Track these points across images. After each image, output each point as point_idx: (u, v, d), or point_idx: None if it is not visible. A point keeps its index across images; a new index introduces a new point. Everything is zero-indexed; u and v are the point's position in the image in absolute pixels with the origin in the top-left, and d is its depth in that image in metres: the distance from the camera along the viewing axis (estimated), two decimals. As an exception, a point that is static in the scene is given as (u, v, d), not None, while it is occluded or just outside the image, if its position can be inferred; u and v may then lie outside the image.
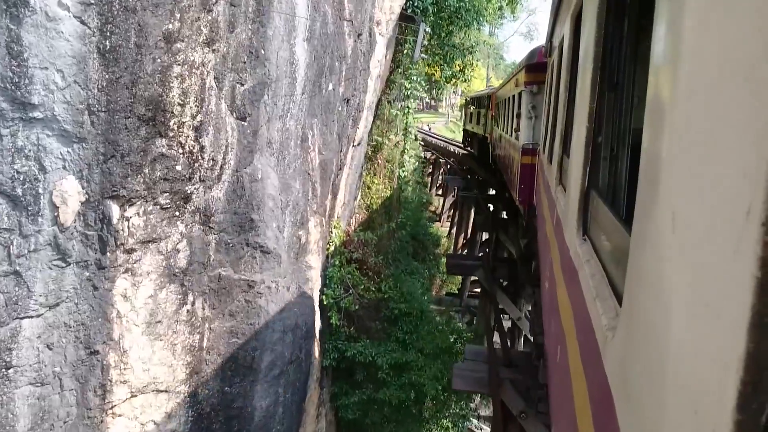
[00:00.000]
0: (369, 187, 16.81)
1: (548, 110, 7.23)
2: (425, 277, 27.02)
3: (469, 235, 28.42)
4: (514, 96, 11.72)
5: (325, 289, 12.04)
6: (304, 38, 9.42)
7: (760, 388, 0.67)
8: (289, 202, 9.51)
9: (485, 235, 25.54)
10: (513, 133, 11.31)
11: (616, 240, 2.03)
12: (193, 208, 7.45)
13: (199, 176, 7.34)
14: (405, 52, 14.82)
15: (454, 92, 72.56)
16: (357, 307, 12.69)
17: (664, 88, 1.27)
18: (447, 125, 75.53)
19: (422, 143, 49.12)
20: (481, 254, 21.28)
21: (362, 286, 13.08)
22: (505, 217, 19.60)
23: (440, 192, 44.89)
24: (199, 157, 7.18)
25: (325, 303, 11.82)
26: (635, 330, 1.40)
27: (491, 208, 23.53)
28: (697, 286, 0.92)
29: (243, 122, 8.12)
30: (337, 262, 12.53)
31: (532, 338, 9.52)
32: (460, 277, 26.80)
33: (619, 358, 1.58)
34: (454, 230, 33.31)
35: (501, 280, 14.26)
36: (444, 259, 32.19)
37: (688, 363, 0.93)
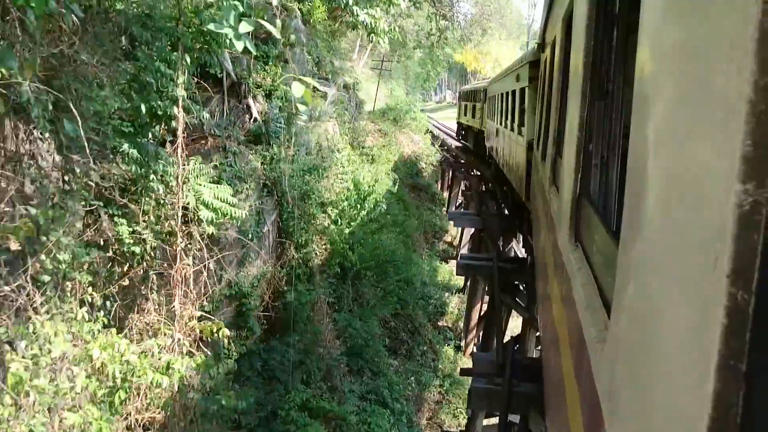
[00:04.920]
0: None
1: (541, 107, 7.10)
2: (411, 397, 15.67)
3: (484, 322, 17.10)
4: (515, 91, 11.16)
5: None
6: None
7: (730, 414, 0.74)
8: None
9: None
10: (516, 128, 10.64)
11: (606, 249, 2.04)
12: None
13: None
14: None
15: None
16: None
17: (648, 99, 1.31)
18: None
19: (440, 148, 38.01)
20: None
21: None
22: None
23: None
24: None
25: None
26: (621, 345, 1.41)
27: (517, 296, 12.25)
28: (677, 303, 0.97)
29: None
30: None
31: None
32: (466, 396, 15.35)
33: (607, 372, 1.58)
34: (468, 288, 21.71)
35: None
36: (447, 349, 20.08)
37: (671, 383, 0.96)
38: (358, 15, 20.29)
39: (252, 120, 13.01)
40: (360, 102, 30.71)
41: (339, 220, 14.26)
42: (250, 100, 12.96)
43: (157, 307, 6.45)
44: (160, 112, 5.83)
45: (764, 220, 0.71)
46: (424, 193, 33.56)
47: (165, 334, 6.21)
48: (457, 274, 15.34)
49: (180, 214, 6.28)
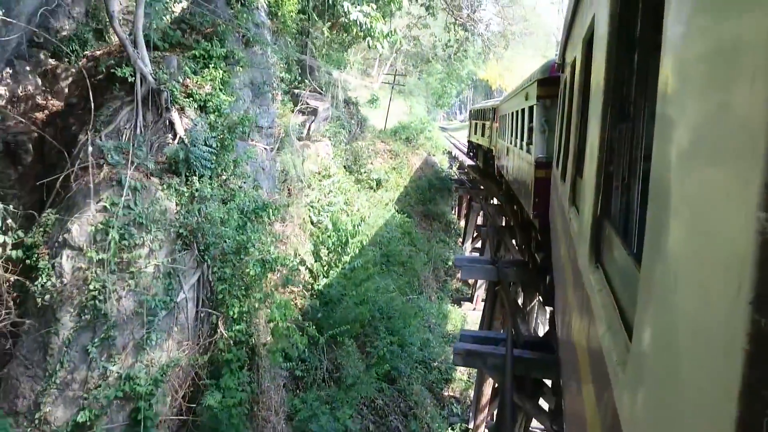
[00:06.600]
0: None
1: (561, 127, 7.02)
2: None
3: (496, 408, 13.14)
4: (524, 109, 11.29)
5: None
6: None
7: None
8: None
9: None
10: (525, 146, 10.84)
11: (627, 271, 2.01)
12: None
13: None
14: None
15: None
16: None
17: (671, 121, 1.30)
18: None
19: (457, 171, 34.25)
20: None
21: None
22: None
23: (479, 245, 29.58)
24: None
25: None
26: (644, 369, 1.39)
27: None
28: (700, 328, 0.94)
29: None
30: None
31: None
32: None
33: (629, 396, 1.54)
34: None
35: None
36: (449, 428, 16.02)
37: (695, 409, 0.93)
38: (350, 13, 16.84)
39: (177, 141, 9.43)
40: (363, 119, 27.13)
41: (287, 282, 10.59)
42: (174, 114, 9.39)
43: None
44: None
45: None
46: (438, 222, 29.71)
47: None
48: (454, 364, 11.45)
49: None
